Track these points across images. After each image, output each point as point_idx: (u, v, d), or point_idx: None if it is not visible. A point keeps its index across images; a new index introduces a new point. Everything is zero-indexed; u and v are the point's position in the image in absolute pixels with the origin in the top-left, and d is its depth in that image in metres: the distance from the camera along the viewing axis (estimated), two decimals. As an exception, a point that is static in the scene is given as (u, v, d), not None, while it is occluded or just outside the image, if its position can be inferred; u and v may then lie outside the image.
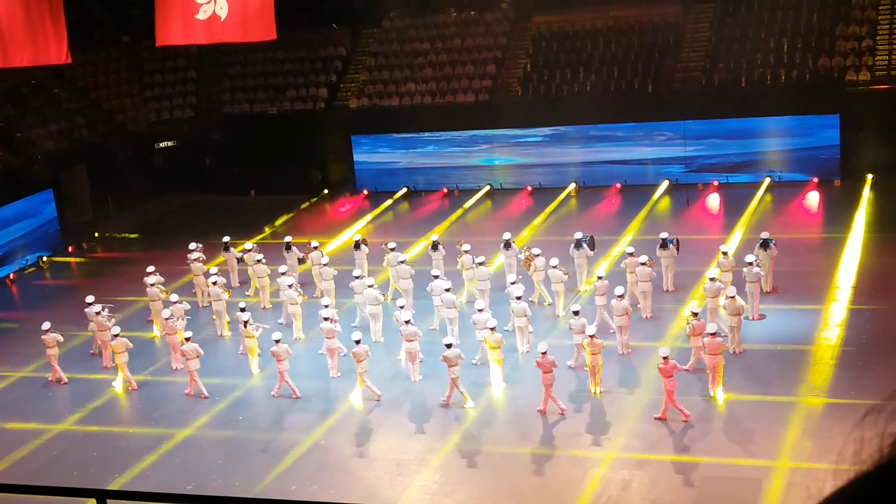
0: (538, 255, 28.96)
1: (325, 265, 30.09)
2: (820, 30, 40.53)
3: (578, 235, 29.68)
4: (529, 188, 41.46)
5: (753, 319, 26.55)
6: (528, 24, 45.72)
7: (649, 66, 41.91)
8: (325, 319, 25.48)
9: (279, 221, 39.23)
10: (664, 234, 29.21)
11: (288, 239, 32.03)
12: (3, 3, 23.22)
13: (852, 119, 38.33)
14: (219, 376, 25.88)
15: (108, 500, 6.19)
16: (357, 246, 31.65)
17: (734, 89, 40.18)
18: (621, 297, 25.15)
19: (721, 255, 27.89)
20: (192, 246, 32.01)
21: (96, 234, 40.44)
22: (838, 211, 35.38)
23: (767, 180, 38.72)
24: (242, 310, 26.78)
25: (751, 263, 26.77)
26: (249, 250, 31.86)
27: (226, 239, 32.74)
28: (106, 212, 42.91)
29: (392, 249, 30.48)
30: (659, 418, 21.98)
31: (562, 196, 39.86)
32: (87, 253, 38.91)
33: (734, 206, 36.61)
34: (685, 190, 39.14)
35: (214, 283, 29.12)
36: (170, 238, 34.43)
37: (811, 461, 19.95)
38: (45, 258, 37.88)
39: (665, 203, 38.44)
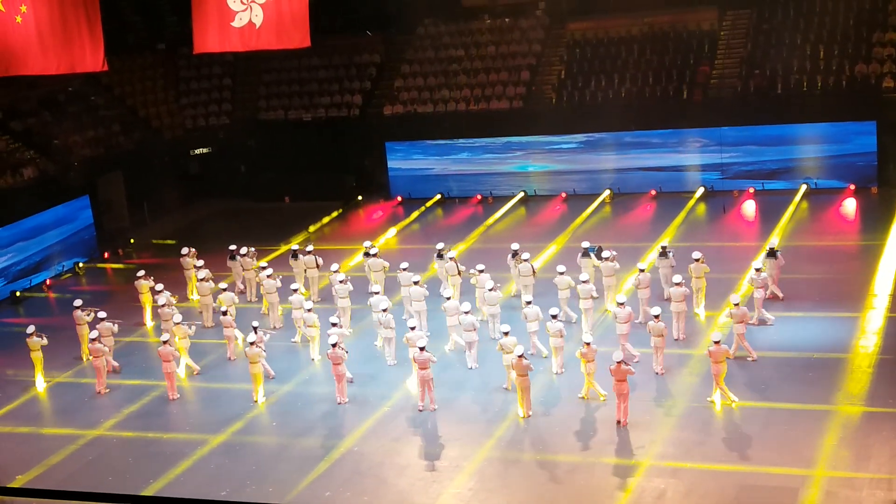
0: (482, 271, 28.58)
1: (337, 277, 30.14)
2: (856, 36, 40.20)
3: (585, 245, 29.52)
4: (564, 195, 41.36)
5: (767, 324, 26.56)
6: (563, 30, 45.62)
7: (684, 72, 41.72)
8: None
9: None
10: (664, 244, 29.61)
11: (309, 248, 31.94)
12: (40, 11, 23.41)
13: (889, 126, 37.97)
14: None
15: (141, 505, 6.22)
16: (367, 254, 30.96)
17: (770, 96, 39.91)
18: (657, 317, 24.66)
19: (694, 262, 27.72)
20: (185, 251, 32.82)
21: (132, 240, 40.68)
22: (875, 218, 35.06)
23: (804, 187, 38.46)
24: (225, 312, 27.76)
25: (758, 270, 26.74)
26: (244, 255, 32.17)
27: (244, 249, 32.63)
28: (142, 218, 43.22)
29: (374, 255, 30.36)
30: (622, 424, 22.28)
31: (596, 203, 39.73)
32: (123, 259, 39.17)
33: (770, 213, 36.38)
34: (721, 197, 38.91)
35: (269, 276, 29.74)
36: (205, 244, 34.53)
37: (848, 470, 19.77)
38: (81, 264, 38.18)
39: (701, 210, 38.22)
